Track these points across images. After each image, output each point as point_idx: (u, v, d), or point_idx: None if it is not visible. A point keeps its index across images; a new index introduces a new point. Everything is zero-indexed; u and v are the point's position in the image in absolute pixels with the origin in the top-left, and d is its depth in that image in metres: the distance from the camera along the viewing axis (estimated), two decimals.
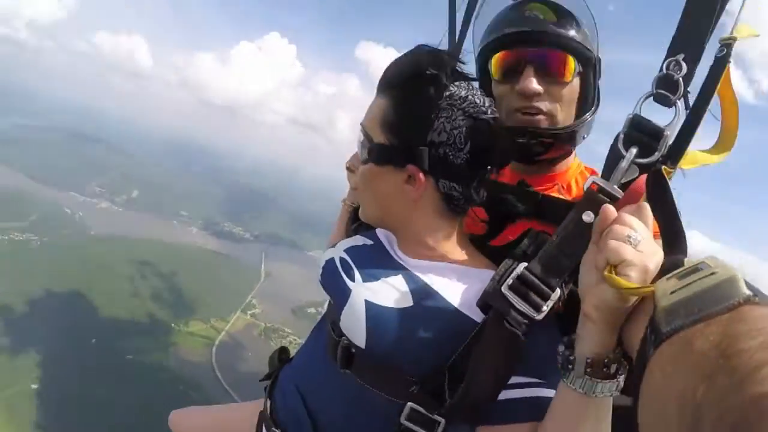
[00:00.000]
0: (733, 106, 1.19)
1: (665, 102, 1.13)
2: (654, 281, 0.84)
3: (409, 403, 1.15)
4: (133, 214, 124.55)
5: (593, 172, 1.60)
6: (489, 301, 1.11)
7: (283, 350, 1.72)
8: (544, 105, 1.47)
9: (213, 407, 2.02)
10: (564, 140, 1.54)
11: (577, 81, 1.50)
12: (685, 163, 1.16)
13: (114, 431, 51.56)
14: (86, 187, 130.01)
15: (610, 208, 0.99)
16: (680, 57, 1.11)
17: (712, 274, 0.64)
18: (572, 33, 1.46)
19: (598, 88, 1.58)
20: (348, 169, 1.71)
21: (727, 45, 1.12)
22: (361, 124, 1.34)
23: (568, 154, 1.63)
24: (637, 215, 0.97)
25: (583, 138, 1.60)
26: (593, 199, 1.06)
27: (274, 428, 1.40)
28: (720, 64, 1.12)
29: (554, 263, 1.10)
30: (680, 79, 1.11)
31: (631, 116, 1.13)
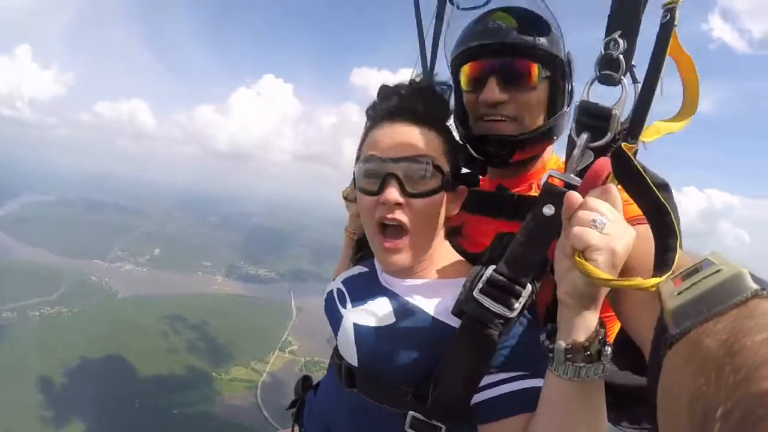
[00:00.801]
0: (691, 70, 1.17)
1: (610, 81, 1.14)
2: (644, 275, 0.84)
3: (411, 412, 1.21)
4: (157, 272, 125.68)
5: None
6: (462, 307, 1.14)
7: (306, 378, 1.83)
8: (509, 111, 1.50)
9: None
10: (533, 142, 1.55)
11: (544, 85, 1.50)
12: (647, 136, 1.14)
13: None
14: (108, 253, 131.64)
15: (573, 195, 0.99)
16: (617, 34, 1.11)
17: (718, 271, 0.63)
18: (535, 39, 1.47)
19: (571, 88, 1.58)
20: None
21: (670, 10, 1.09)
22: (419, 155, 1.30)
23: (542, 152, 1.64)
24: (603, 198, 0.97)
25: (555, 138, 1.61)
26: (551, 191, 1.08)
27: None
28: (666, 29, 1.09)
29: (521, 261, 1.12)
30: (620, 56, 1.11)
31: (577, 103, 1.13)
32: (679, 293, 0.66)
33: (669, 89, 1.15)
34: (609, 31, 1.13)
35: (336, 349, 1.49)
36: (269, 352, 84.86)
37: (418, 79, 1.53)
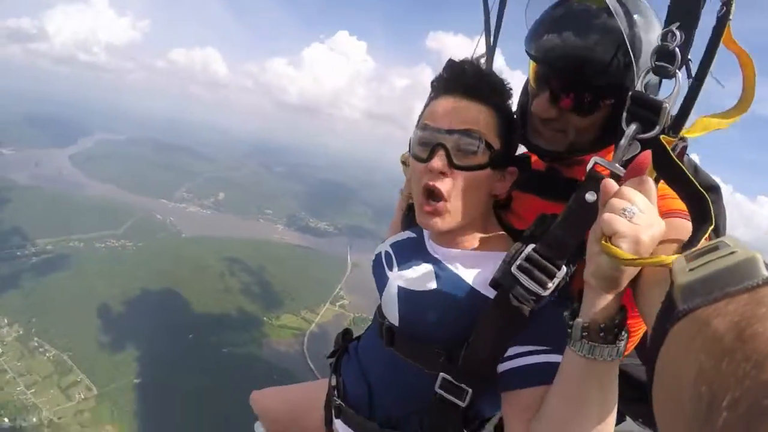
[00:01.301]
0: (748, 60, 1.13)
1: (665, 74, 1.13)
2: (669, 255, 0.84)
3: (442, 374, 1.32)
4: (221, 215, 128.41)
5: None
6: (499, 280, 1.23)
7: (347, 331, 1.95)
8: (556, 126, 1.53)
9: (289, 386, 2.31)
10: (582, 155, 1.56)
11: (600, 112, 1.49)
12: (692, 131, 1.14)
13: (212, 419, 51.24)
14: (175, 194, 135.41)
15: (609, 183, 1.03)
16: (674, 26, 1.09)
17: (732, 253, 0.63)
18: (609, 62, 1.40)
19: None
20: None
21: (727, 3, 1.07)
22: (471, 130, 1.36)
23: (595, 154, 1.56)
24: (638, 188, 0.99)
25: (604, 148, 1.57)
26: (595, 178, 1.09)
27: (336, 398, 1.66)
28: (721, 23, 1.08)
29: (559, 243, 1.18)
30: (676, 48, 1.09)
31: (631, 93, 1.13)
32: (691, 270, 0.66)
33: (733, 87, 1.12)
34: (669, 21, 1.12)
35: (379, 308, 1.61)
36: (321, 304, 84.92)
37: (481, 60, 1.53)
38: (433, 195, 1.39)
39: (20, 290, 67.74)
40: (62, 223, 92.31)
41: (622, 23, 1.37)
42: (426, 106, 1.50)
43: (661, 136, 1.06)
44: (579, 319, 1.06)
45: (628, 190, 0.98)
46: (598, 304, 1.03)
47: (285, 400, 2.23)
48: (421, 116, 1.50)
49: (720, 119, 1.14)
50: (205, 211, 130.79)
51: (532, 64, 1.57)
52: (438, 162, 1.34)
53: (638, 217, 0.93)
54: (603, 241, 0.94)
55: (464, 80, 1.41)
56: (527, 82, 1.65)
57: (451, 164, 1.35)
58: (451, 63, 1.48)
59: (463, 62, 1.47)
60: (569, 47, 1.43)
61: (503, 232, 1.53)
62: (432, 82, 1.53)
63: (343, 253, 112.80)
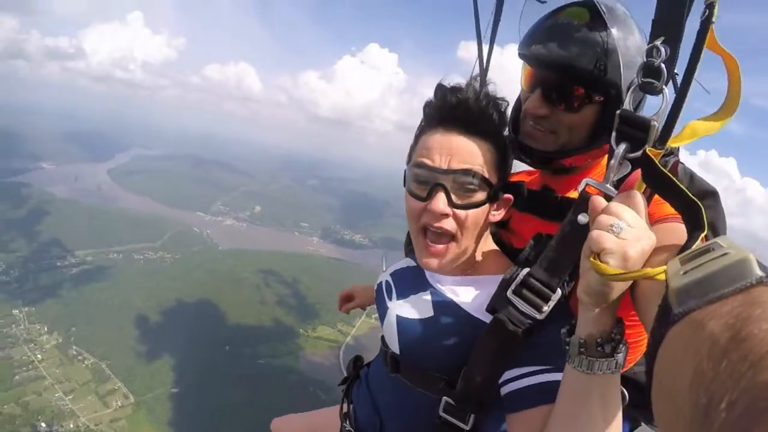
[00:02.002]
0: (732, 63, 1.11)
1: (651, 90, 1.12)
2: (662, 263, 0.84)
3: (445, 398, 1.36)
4: (257, 228, 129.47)
5: None
6: (495, 305, 1.26)
7: (358, 358, 2.03)
8: (547, 125, 1.56)
9: (309, 413, 2.35)
10: (572, 155, 1.59)
11: (592, 109, 1.53)
12: (681, 139, 1.13)
13: (247, 429, 50.07)
14: (211, 207, 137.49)
15: (597, 200, 1.04)
16: (659, 41, 1.08)
17: (725, 254, 0.63)
18: (594, 54, 1.45)
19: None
20: None
21: (710, 6, 1.07)
22: (470, 169, 1.36)
23: (587, 163, 1.66)
24: (626, 203, 1.00)
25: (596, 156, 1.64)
26: (587, 200, 1.09)
27: (346, 424, 1.73)
28: (704, 27, 1.07)
29: (553, 266, 1.20)
30: (662, 64, 1.08)
31: (618, 112, 1.12)
32: (685, 273, 0.66)
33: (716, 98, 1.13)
34: (653, 37, 1.11)
35: (383, 338, 1.64)
36: (357, 317, 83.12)
37: (476, 82, 1.52)
38: (433, 234, 1.40)
39: (60, 299, 68.88)
40: (101, 236, 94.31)
41: (602, 28, 1.46)
42: (419, 135, 1.48)
43: (648, 149, 1.07)
44: (575, 336, 1.07)
45: (615, 205, 0.98)
46: (592, 319, 1.04)
47: (306, 426, 2.27)
48: (414, 147, 1.49)
49: (708, 123, 1.13)
50: (241, 224, 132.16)
51: (524, 69, 1.62)
52: (439, 203, 1.34)
53: (626, 232, 0.93)
54: (591, 258, 0.95)
55: (462, 114, 1.38)
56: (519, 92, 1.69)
57: (452, 204, 1.36)
58: (445, 91, 1.44)
59: (460, 91, 1.42)
60: (557, 46, 1.49)
61: (499, 252, 1.57)
62: (424, 108, 1.50)
63: (378, 265, 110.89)
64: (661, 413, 0.62)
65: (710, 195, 1.41)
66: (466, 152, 1.36)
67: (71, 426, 47.82)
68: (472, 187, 1.35)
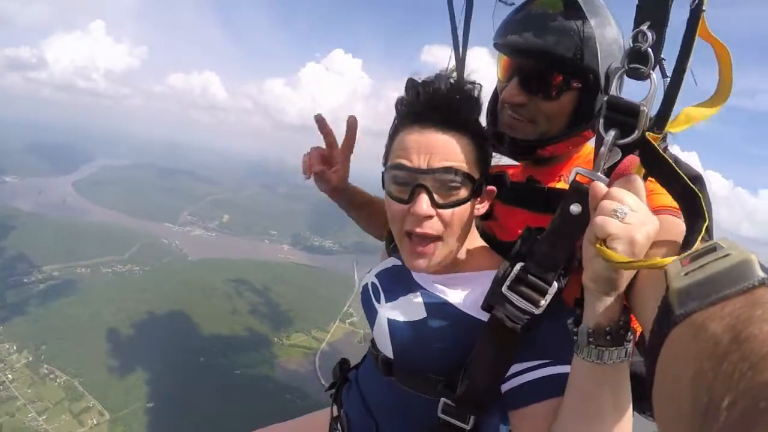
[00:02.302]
0: (723, 50, 1.12)
1: (638, 75, 1.12)
2: (663, 256, 0.85)
3: (443, 399, 1.30)
4: (226, 237, 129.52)
5: None
6: (490, 302, 1.21)
7: (344, 362, 1.92)
8: (526, 113, 1.53)
9: (289, 421, 2.18)
10: (553, 144, 1.57)
11: (570, 96, 1.52)
12: (676, 125, 1.12)
13: None
14: (179, 217, 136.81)
15: (598, 186, 1.01)
16: (645, 26, 1.08)
17: (727, 255, 0.63)
18: (571, 42, 1.45)
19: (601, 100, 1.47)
20: None
21: None
22: (451, 167, 1.30)
23: (569, 151, 1.65)
24: (627, 188, 0.98)
25: (586, 136, 1.61)
26: (579, 189, 1.08)
27: (338, 428, 1.66)
28: (694, 15, 1.05)
29: (548, 258, 1.16)
30: (648, 49, 1.08)
31: (605, 98, 1.11)
32: (686, 274, 0.66)
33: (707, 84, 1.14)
34: (637, 22, 1.10)
35: (373, 341, 1.56)
36: (330, 322, 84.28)
37: (452, 74, 1.46)
38: (423, 239, 1.35)
39: (28, 317, 67.26)
40: (68, 250, 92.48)
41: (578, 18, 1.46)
42: (395, 134, 1.41)
43: (647, 133, 1.05)
44: (584, 325, 1.04)
45: (617, 190, 0.97)
46: (600, 307, 1.02)
47: None
48: (390, 148, 1.41)
49: (703, 109, 1.12)
50: (210, 233, 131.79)
51: (500, 60, 1.61)
52: (422, 205, 1.29)
53: (630, 216, 0.92)
54: (597, 245, 0.93)
55: (437, 109, 1.33)
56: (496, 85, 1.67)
57: (435, 204, 1.30)
58: (417, 85, 1.38)
59: (428, 83, 1.36)
60: (533, 35, 1.48)
61: (487, 248, 1.51)
62: (397, 106, 1.44)
63: (350, 270, 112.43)
64: (662, 413, 0.62)
65: (697, 180, 1.39)
66: (445, 149, 1.31)
67: None
68: (454, 184, 1.31)
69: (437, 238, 1.34)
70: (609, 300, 1.01)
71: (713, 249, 0.67)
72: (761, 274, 0.56)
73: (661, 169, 1.05)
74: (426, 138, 1.31)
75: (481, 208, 1.43)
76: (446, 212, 1.31)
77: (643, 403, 1.54)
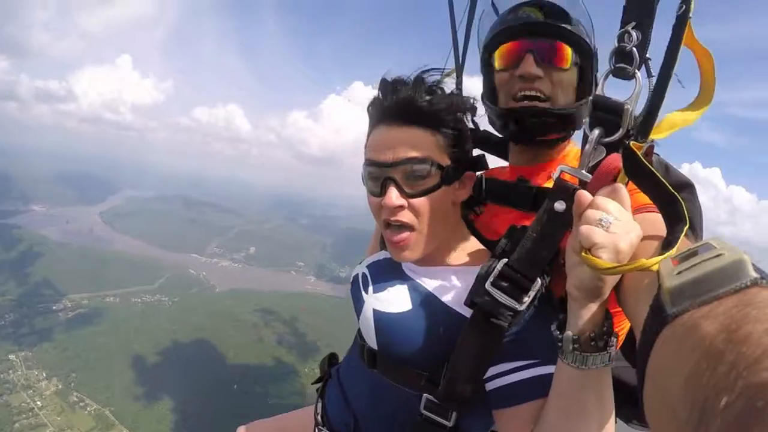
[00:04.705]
0: (706, 56, 1.14)
1: (624, 75, 1.13)
2: (648, 258, 0.85)
3: (425, 394, 1.30)
4: (253, 269, 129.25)
5: None
6: (474, 298, 1.21)
7: (332, 356, 1.92)
8: (544, 87, 1.52)
9: (279, 416, 2.19)
10: (564, 122, 1.57)
11: (575, 70, 1.54)
12: (660, 131, 1.14)
13: None
14: (206, 249, 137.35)
15: (583, 194, 1.01)
16: (630, 26, 1.11)
17: (719, 255, 0.63)
18: (569, 26, 1.51)
19: (596, 78, 1.58)
20: None
21: (686, 0, 1.07)
22: (415, 157, 1.32)
23: (567, 137, 1.66)
24: (611, 196, 1.00)
25: (575, 127, 1.63)
26: (563, 187, 1.11)
27: (321, 426, 1.63)
28: (681, 21, 1.08)
29: (532, 255, 1.17)
30: (633, 49, 1.10)
31: (591, 98, 1.14)
32: (679, 273, 0.66)
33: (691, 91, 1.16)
34: (624, 22, 1.13)
35: (359, 331, 1.57)
36: None
37: (417, 74, 1.47)
38: (398, 228, 1.38)
39: (56, 344, 67.03)
40: (95, 279, 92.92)
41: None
42: (368, 134, 1.46)
43: (631, 143, 1.06)
44: (568, 332, 1.05)
45: (601, 199, 0.98)
46: (585, 314, 1.03)
47: (276, 430, 2.14)
48: (365, 147, 1.47)
49: (686, 115, 1.13)
50: (237, 265, 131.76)
51: (502, 48, 1.58)
52: (391, 197, 1.33)
53: (615, 225, 0.94)
54: (583, 253, 0.94)
55: (402, 105, 1.36)
56: (488, 76, 1.66)
57: (405, 194, 1.34)
58: (382, 83, 1.44)
59: (393, 82, 1.41)
60: (533, 19, 1.52)
61: (476, 244, 1.52)
62: (368, 108, 1.48)
63: None
64: (655, 414, 0.61)
65: (686, 187, 1.41)
66: (408, 142, 1.33)
67: None
68: (420, 173, 1.32)
69: (411, 227, 1.36)
70: (593, 307, 1.03)
71: (705, 248, 0.67)
72: (754, 273, 0.56)
73: (644, 179, 1.05)
74: (390, 133, 1.36)
75: (462, 194, 1.44)
76: (417, 201, 1.33)
77: (629, 410, 1.63)
